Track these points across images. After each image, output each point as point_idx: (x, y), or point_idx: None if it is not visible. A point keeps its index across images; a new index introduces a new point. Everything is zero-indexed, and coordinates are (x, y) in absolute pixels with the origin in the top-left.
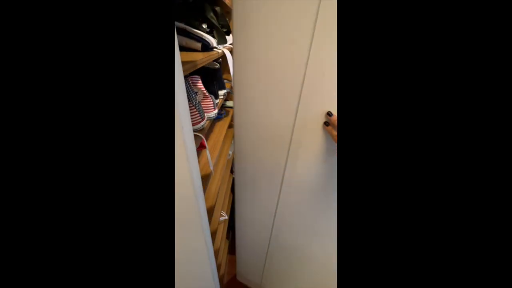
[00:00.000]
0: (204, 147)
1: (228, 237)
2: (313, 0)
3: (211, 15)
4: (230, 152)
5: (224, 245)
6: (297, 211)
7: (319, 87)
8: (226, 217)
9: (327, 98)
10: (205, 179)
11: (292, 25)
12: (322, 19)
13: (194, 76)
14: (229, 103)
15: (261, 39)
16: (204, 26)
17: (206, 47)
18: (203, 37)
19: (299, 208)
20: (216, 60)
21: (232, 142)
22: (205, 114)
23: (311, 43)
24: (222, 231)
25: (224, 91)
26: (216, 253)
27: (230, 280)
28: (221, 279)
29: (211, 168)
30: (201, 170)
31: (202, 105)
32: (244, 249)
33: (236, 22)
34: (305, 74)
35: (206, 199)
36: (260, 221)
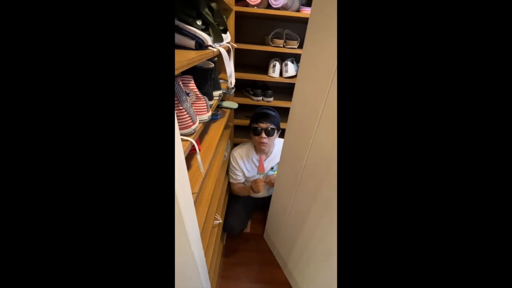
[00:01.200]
0: (199, 149)
1: (222, 239)
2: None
3: (206, 11)
4: (226, 154)
5: (218, 249)
6: (310, 185)
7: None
8: (221, 220)
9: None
10: (198, 183)
11: (328, 54)
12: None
13: (185, 76)
14: (225, 104)
15: (312, 61)
16: (199, 23)
17: (200, 45)
18: (197, 35)
19: (313, 182)
20: (211, 60)
21: (228, 143)
22: (197, 117)
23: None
24: (216, 235)
25: (220, 91)
26: (208, 260)
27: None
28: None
29: (202, 172)
30: (193, 174)
31: (194, 107)
32: (273, 211)
33: (305, 51)
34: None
35: (198, 204)
36: (287, 190)
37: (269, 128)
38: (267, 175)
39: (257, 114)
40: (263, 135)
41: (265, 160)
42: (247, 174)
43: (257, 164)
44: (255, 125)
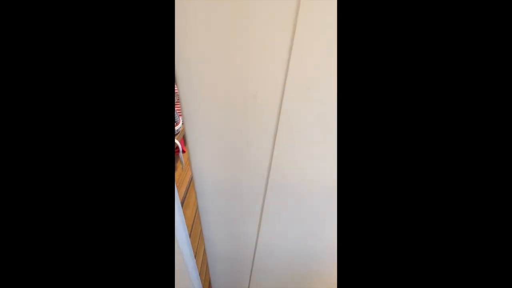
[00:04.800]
0: (183, 151)
1: None
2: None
3: None
4: None
5: None
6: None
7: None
8: None
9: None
10: (184, 184)
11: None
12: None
13: None
14: None
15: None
16: None
17: None
18: None
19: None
20: None
21: None
22: (180, 118)
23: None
24: None
25: None
26: (200, 260)
27: None
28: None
29: (183, 167)
30: (179, 176)
31: (177, 108)
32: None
33: None
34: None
35: (186, 206)
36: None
37: None
38: None
39: None
40: None
41: None
42: None
43: None
44: None
